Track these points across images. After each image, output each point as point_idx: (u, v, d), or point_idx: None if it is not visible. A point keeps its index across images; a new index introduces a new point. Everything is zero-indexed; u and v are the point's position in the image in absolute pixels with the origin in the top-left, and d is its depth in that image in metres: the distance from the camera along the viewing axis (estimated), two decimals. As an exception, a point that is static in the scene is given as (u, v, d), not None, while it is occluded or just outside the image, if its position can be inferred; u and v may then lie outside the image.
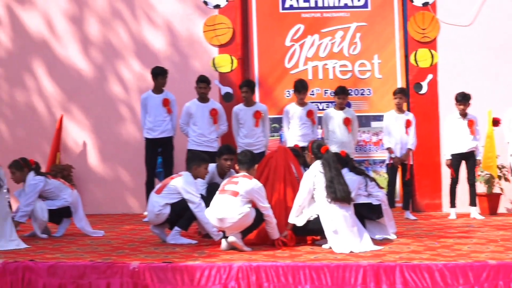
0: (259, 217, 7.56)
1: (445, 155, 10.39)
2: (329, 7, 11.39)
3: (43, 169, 9.71)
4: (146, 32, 11.55)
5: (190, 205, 7.92)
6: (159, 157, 10.62)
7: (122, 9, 11.59)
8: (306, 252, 7.25)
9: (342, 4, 11.39)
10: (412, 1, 11.21)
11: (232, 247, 7.42)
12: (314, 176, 7.65)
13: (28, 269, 6.70)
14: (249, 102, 10.29)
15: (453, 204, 10.20)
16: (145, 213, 10.45)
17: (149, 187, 10.33)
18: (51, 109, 11.63)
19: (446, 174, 10.73)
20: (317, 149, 7.86)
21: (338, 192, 7.51)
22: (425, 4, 11.21)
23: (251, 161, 7.83)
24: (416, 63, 11.18)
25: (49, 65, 11.65)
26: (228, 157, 8.75)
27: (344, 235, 7.43)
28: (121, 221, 10.29)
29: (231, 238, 7.37)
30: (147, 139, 10.44)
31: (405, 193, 10.41)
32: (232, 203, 7.44)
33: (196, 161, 8.23)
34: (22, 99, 11.66)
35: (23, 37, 11.70)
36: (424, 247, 7.47)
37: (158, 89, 10.45)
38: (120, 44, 11.59)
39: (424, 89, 11.19)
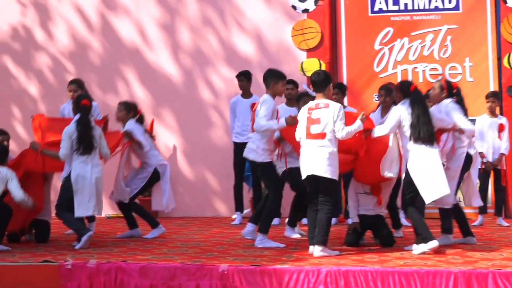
0: None
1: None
2: (419, 10, 11.24)
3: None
4: (235, 38, 11.66)
5: None
6: (247, 161, 10.68)
7: (212, 16, 11.74)
8: (395, 258, 7.18)
9: (432, 6, 11.22)
10: (506, 2, 10.92)
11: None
12: (401, 114, 7.65)
13: (121, 269, 6.85)
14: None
15: (548, 211, 9.93)
16: (233, 216, 10.58)
17: (238, 190, 10.44)
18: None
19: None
20: (406, 87, 7.80)
21: (421, 132, 7.49)
22: (519, 5, 10.94)
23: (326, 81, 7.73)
24: (510, 66, 10.89)
25: (140, 71, 11.90)
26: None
27: (430, 177, 7.43)
28: (210, 224, 10.40)
29: (317, 254, 7.34)
30: (236, 143, 10.53)
31: (498, 199, 10.17)
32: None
33: (274, 77, 8.16)
34: (114, 104, 11.92)
35: (115, 44, 11.99)
36: (518, 255, 7.29)
37: (246, 94, 10.53)
38: (210, 50, 11.73)
39: (518, 93, 10.92)
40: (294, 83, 10.29)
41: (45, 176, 8.65)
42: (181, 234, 9.24)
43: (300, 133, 7.65)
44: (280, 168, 8.44)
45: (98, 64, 11.99)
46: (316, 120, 7.48)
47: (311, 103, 7.69)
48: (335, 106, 7.53)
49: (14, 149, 10.17)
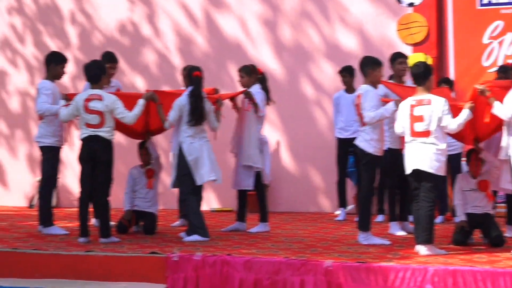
0: None
1: None
2: (531, 2, 10.91)
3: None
4: (338, 34, 11.58)
5: None
6: (350, 156, 10.63)
7: (313, 12, 11.70)
8: (505, 258, 6.98)
9: (546, -3, 10.86)
10: None
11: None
12: None
13: (226, 263, 6.92)
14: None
15: None
16: (337, 212, 10.53)
17: (341, 186, 10.40)
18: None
19: None
20: None
21: None
22: None
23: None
24: None
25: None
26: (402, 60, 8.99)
27: None
28: (313, 219, 10.39)
29: (423, 253, 7.21)
30: (339, 139, 10.47)
31: None
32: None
33: (370, 64, 8.12)
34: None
35: (218, 39, 12.13)
36: None
37: (350, 89, 10.46)
38: (311, 45, 11.70)
39: None
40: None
41: (155, 170, 8.86)
42: (285, 229, 9.26)
43: (402, 128, 7.53)
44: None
45: (202, 59, 12.14)
46: (419, 118, 7.33)
47: (411, 99, 7.53)
48: (438, 101, 7.36)
49: (121, 141, 10.42)
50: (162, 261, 7.01)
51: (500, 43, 10.93)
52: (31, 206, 12.32)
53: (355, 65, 10.60)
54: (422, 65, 7.65)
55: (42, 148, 8.66)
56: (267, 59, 11.87)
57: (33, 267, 7.11)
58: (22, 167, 12.91)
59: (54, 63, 8.78)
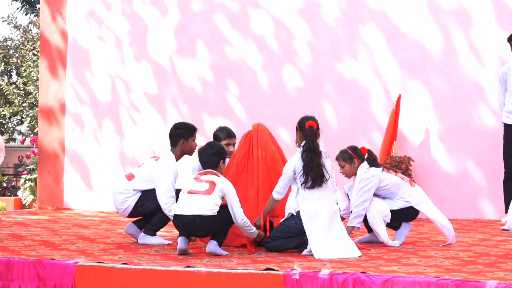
0: None
1: None
2: None
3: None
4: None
5: None
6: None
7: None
8: None
9: None
10: None
11: None
12: None
13: (360, 282, 6.87)
14: None
15: None
16: (504, 219, 10.33)
17: (509, 187, 10.20)
18: (386, 88, 11.93)
19: None
20: None
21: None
22: None
23: None
24: None
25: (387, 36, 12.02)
26: None
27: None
28: (473, 228, 10.28)
29: None
30: (507, 125, 10.27)
31: None
32: None
33: None
34: (350, 76, 12.17)
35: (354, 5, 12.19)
36: None
37: (522, 60, 10.28)
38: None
39: None
40: None
41: None
42: (434, 241, 9.18)
43: None
44: None
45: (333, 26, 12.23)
46: None
47: None
48: None
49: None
50: (279, 279, 7.04)
51: None
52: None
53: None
54: None
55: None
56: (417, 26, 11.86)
57: (122, 284, 7.29)
58: (110, 165, 13.35)
59: (185, 139, 9.05)
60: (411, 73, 11.89)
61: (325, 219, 8.23)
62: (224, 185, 8.14)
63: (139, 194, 8.90)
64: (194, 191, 8.10)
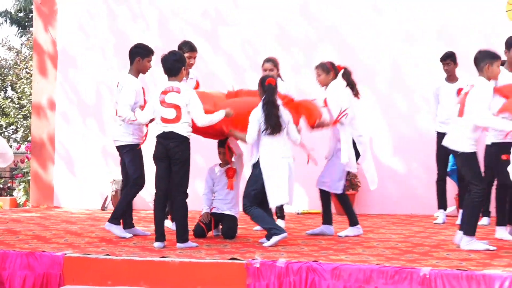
0: None
1: None
2: None
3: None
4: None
5: None
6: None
7: None
8: None
9: None
10: None
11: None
12: None
13: (312, 270, 6.92)
14: None
15: None
16: (436, 214, 10.43)
17: (441, 186, 10.30)
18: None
19: None
20: None
21: None
22: None
23: None
24: None
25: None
26: None
27: None
28: (409, 222, 10.34)
29: None
30: (439, 133, 10.36)
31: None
32: None
33: (488, 58, 7.86)
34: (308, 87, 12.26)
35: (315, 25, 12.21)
36: None
37: (452, 77, 10.35)
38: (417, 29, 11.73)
39: None
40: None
41: (236, 170, 8.97)
42: (378, 233, 9.24)
43: None
44: None
45: (296, 43, 12.29)
46: None
47: None
48: None
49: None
50: (242, 268, 7.06)
51: None
52: (104, 208, 12.66)
53: (463, 52, 10.58)
54: None
55: (123, 147, 8.88)
56: (369, 48, 11.92)
57: (105, 273, 7.28)
58: (95, 167, 13.27)
59: (141, 57, 8.95)
60: (361, 85, 11.91)
61: (278, 170, 8.31)
62: (186, 98, 8.11)
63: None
64: (165, 119, 8.08)
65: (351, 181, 11.42)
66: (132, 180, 8.85)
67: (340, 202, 9.16)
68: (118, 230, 8.83)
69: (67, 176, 13.54)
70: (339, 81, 8.95)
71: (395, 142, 11.71)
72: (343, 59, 11.81)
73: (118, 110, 8.75)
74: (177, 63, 8.26)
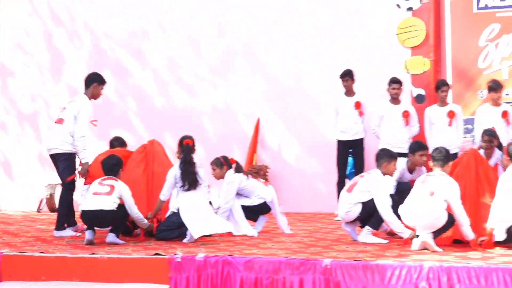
0: (452, 218, 7.43)
1: None
2: (526, 5, 10.95)
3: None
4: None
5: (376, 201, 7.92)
6: (351, 158, 10.69)
7: (316, 22, 11.84)
8: (499, 255, 7.01)
9: (540, 1, 10.91)
10: None
11: (424, 248, 7.34)
12: None
13: (227, 263, 6.95)
14: (444, 102, 10.10)
15: None
16: (336, 212, 10.57)
17: (340, 187, 10.43)
18: (250, 111, 12.05)
19: None
20: None
21: None
22: None
23: (446, 158, 7.70)
24: None
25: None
26: (423, 152, 8.67)
27: None
28: (313, 219, 10.42)
29: (424, 238, 7.29)
30: (339, 141, 10.54)
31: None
32: (427, 203, 7.37)
33: (386, 157, 8.19)
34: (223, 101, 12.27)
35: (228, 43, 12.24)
36: None
37: (350, 92, 10.53)
38: (316, 51, 11.81)
39: None
40: (399, 83, 10.24)
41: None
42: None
43: None
44: None
45: (210, 62, 12.30)
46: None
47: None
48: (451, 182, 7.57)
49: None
50: (165, 262, 7.04)
51: (496, 45, 10.99)
52: (39, 210, 12.42)
53: (357, 68, 10.77)
54: (444, 151, 7.77)
55: (61, 155, 8.73)
56: (274, 65, 11.98)
57: (39, 270, 7.16)
58: (31, 172, 13.03)
59: (98, 83, 8.87)
60: (269, 100, 12.01)
61: (198, 210, 8.29)
62: (121, 188, 8.11)
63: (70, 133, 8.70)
64: (97, 193, 8.05)
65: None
66: (66, 185, 8.75)
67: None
68: (67, 233, 8.69)
69: (5, 181, 13.25)
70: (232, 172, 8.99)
71: (302, 148, 11.80)
72: (260, 75, 12.02)
73: (79, 137, 8.61)
74: (115, 167, 8.35)
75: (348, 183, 8.70)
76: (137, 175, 8.85)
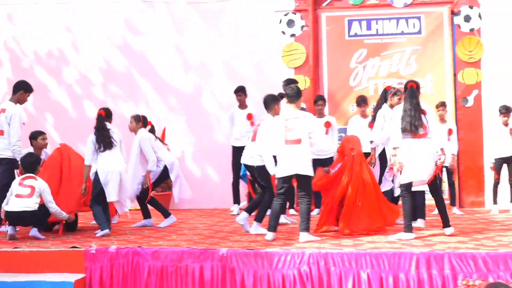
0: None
1: (490, 159, 10.17)
2: (388, 34, 11.32)
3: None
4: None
5: None
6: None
7: (216, 38, 11.84)
8: (367, 242, 7.23)
9: (399, 31, 11.30)
10: (460, 28, 11.05)
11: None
12: None
13: (137, 254, 6.90)
14: (319, 114, 10.28)
15: (495, 201, 9.96)
16: (232, 208, 10.60)
17: (235, 186, 10.51)
18: (159, 121, 11.92)
19: (488, 175, 10.53)
20: None
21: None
22: (472, 30, 11.05)
23: (298, 94, 7.76)
24: (463, 81, 11.01)
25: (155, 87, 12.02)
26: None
27: None
28: (212, 214, 10.43)
29: (304, 238, 7.38)
30: (234, 147, 10.58)
31: (451, 193, 10.23)
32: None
33: (273, 101, 8.17)
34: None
35: (136, 61, 12.06)
36: (469, 238, 7.33)
37: (243, 105, 10.60)
38: (214, 67, 11.80)
39: (470, 103, 11.00)
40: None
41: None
42: (188, 223, 9.27)
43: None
44: None
45: (120, 77, 12.02)
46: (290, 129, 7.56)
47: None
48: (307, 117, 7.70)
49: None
50: (81, 254, 6.93)
51: (364, 67, 11.34)
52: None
53: (248, 84, 10.83)
54: (295, 88, 7.83)
55: (2, 160, 8.34)
56: (176, 78, 11.89)
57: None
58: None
59: (24, 91, 8.53)
60: (175, 111, 11.91)
61: (114, 173, 8.19)
62: (40, 186, 7.88)
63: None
64: (19, 195, 7.77)
65: (168, 183, 11.34)
66: (1, 186, 8.35)
67: (151, 205, 9.08)
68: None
69: None
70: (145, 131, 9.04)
71: (203, 153, 11.75)
72: (160, 92, 11.88)
73: (14, 143, 8.24)
74: (33, 164, 8.12)
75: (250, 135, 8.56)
76: (57, 171, 8.54)
